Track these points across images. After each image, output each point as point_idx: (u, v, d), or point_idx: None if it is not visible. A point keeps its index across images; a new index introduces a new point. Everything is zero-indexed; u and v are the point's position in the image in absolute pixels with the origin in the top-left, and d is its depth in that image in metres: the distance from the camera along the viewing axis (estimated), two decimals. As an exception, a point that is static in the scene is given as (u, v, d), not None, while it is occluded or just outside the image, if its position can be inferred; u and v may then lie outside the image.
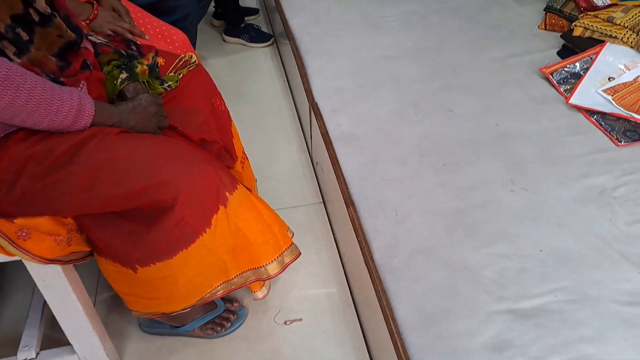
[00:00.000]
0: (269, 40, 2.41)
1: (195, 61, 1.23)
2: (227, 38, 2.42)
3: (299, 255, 1.15)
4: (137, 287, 1.06)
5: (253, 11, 2.63)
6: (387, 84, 1.70)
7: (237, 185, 1.04)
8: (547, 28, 1.96)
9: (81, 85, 0.96)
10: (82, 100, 0.89)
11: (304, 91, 1.72)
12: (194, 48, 1.83)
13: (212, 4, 2.37)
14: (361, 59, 1.83)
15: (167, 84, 1.15)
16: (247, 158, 1.41)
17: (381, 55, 1.85)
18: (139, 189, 0.91)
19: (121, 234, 0.99)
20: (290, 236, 1.25)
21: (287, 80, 2.17)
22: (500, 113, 1.55)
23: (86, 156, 0.89)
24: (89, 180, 0.90)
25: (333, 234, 1.51)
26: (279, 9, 2.22)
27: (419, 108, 1.59)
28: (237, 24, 2.39)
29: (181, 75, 1.19)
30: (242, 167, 1.35)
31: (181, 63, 1.20)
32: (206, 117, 1.19)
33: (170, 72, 1.18)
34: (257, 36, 2.38)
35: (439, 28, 1.99)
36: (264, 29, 2.56)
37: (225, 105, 1.29)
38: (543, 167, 1.35)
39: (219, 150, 1.21)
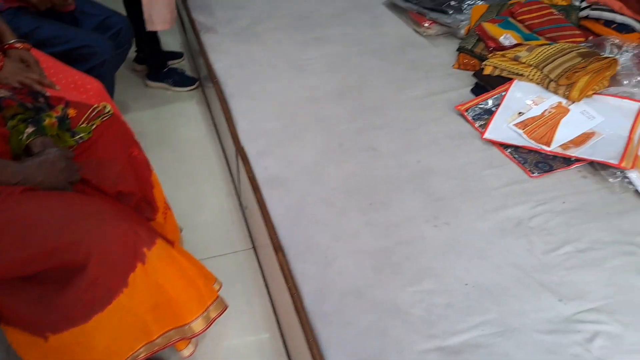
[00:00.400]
0: (194, 83, 2.39)
1: (110, 111, 1.19)
2: (150, 83, 2.38)
3: (225, 309, 1.11)
4: (51, 356, 0.98)
5: (177, 55, 2.61)
6: (313, 125, 1.72)
7: (156, 240, 1.00)
8: (461, 67, 2.07)
9: (-20, 143, 0.90)
10: (-20, 159, 0.83)
11: (230, 135, 1.71)
12: (112, 96, 1.78)
13: (134, 48, 2.32)
14: (286, 101, 1.85)
15: (78, 136, 1.10)
16: (169, 208, 1.36)
17: (306, 97, 1.88)
18: (46, 250, 0.85)
19: (30, 300, 0.92)
20: (218, 288, 1.22)
21: (214, 124, 2.15)
22: (421, 150, 1.60)
23: (-15, 220, 0.83)
24: None
25: (264, 281, 1.48)
26: (203, 52, 2.21)
27: (344, 148, 1.62)
28: (160, 68, 2.35)
29: (94, 126, 1.14)
30: (165, 218, 1.30)
31: (94, 113, 1.16)
32: (122, 168, 1.15)
33: (83, 123, 1.13)
34: (181, 80, 2.36)
35: (361, 69, 2.06)
36: (189, 72, 2.54)
37: (143, 154, 1.25)
38: (463, 201, 1.40)
39: (138, 202, 1.17)
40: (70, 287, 0.90)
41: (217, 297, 1.11)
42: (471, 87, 1.93)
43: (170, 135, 2.08)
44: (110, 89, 1.74)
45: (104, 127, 1.16)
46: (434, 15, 2.33)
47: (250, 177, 1.50)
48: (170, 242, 1.19)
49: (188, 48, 2.70)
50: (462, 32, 2.27)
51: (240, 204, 1.74)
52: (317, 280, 1.18)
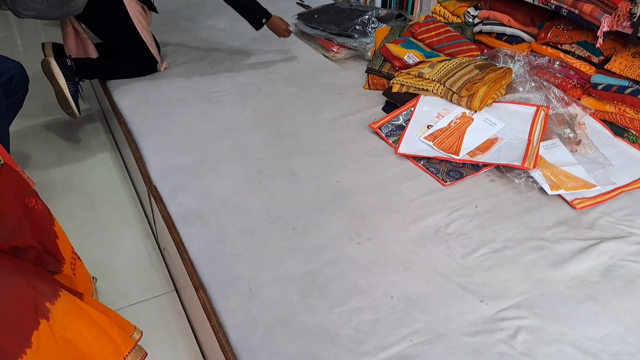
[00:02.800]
0: (74, 112, 2.11)
1: (0, 161, 1.10)
2: (53, 64, 2.06)
3: (145, 356, 1.04)
4: None
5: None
6: (229, 155, 1.69)
7: (60, 293, 0.92)
8: (371, 87, 2.13)
9: None
10: None
11: (141, 174, 1.64)
12: (7, 147, 1.66)
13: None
14: (199, 134, 1.81)
15: (-36, 191, 1.00)
16: (78, 258, 1.27)
17: (220, 128, 1.85)
18: None
19: None
20: (138, 336, 1.14)
21: (125, 166, 2.06)
22: (340, 170, 1.61)
23: None
24: None
25: (189, 322, 1.41)
26: (106, 91, 2.13)
27: (263, 175, 1.59)
28: (80, 75, 2.17)
29: (-17, 178, 1.05)
30: (74, 269, 1.21)
31: (-18, 164, 1.07)
32: (18, 222, 1.06)
33: (-31, 176, 1.04)
34: (75, 94, 2.10)
35: (275, 97, 2.06)
36: (97, 121, 2.44)
37: (42, 204, 1.16)
38: (383, 215, 1.41)
39: (39, 256, 1.07)
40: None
41: (135, 344, 1.03)
42: (382, 106, 1.99)
43: (78, 181, 1.96)
44: (3, 140, 1.62)
45: (-6, 177, 1.07)
46: (340, 40, 2.40)
47: (165, 216, 1.44)
48: (81, 294, 1.10)
49: (93, 90, 2.60)
50: (369, 54, 2.35)
51: (159, 246, 1.66)
52: (242, 313, 1.14)
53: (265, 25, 2.23)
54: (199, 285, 1.22)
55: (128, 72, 2.20)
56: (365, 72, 2.19)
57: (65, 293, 0.93)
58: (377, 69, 2.14)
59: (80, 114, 2.08)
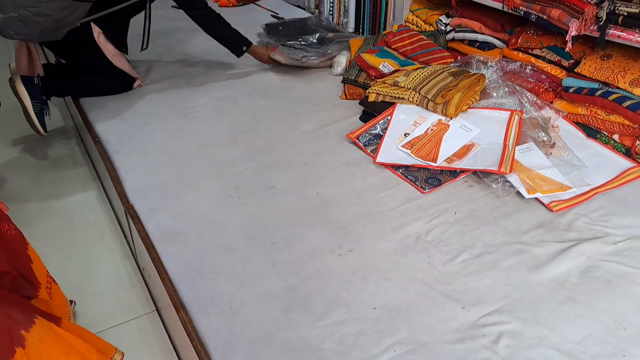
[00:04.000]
0: (40, 130, 2.07)
1: (-31, 186, 1.08)
2: (18, 83, 2.02)
3: (126, 379, 1.02)
4: None
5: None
6: (206, 171, 1.68)
7: (35, 320, 0.90)
8: (348, 97, 2.14)
9: None
10: None
11: (117, 194, 1.62)
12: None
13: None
14: (176, 151, 1.79)
15: None
16: (54, 281, 1.25)
17: (196, 144, 1.84)
18: None
19: None
20: (119, 358, 1.12)
21: (102, 184, 2.03)
22: (319, 181, 1.61)
23: None
24: None
25: (172, 342, 1.39)
26: (80, 110, 2.11)
27: (241, 190, 1.58)
28: (46, 90, 2.13)
29: (-48, 205, 1.02)
30: (50, 293, 1.19)
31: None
32: (-9, 247, 1.03)
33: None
34: (40, 112, 2.05)
35: (251, 110, 2.06)
36: (73, 141, 2.40)
37: (15, 228, 1.14)
38: (364, 225, 1.41)
39: (14, 281, 1.05)
40: None
41: (115, 370, 1.01)
42: (359, 115, 1.99)
43: (54, 203, 1.93)
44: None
45: (-37, 204, 1.05)
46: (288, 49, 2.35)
47: (143, 236, 1.42)
48: (58, 318, 1.08)
49: (67, 109, 2.56)
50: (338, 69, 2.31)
51: (138, 266, 1.63)
52: (224, 332, 1.12)
53: (246, 53, 2.26)
54: (179, 305, 1.20)
55: (101, 89, 2.18)
56: (342, 82, 2.20)
57: (40, 320, 0.91)
58: (353, 78, 2.15)
59: (46, 132, 2.05)
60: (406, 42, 2.19)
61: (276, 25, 2.60)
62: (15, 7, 1.72)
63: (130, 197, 1.57)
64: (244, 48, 2.23)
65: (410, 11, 2.40)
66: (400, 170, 1.64)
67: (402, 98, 1.86)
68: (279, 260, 1.31)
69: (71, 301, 1.44)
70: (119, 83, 2.19)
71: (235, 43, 2.23)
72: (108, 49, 2.09)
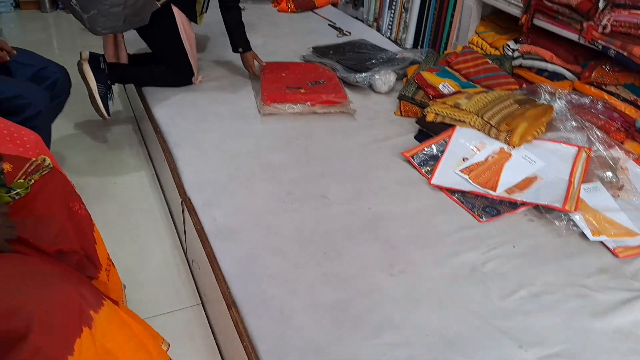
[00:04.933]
0: (103, 114, 2.13)
1: (49, 164, 1.11)
2: (85, 68, 2.10)
3: (175, 371, 1.03)
4: None
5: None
6: (260, 173, 1.69)
7: (104, 302, 0.92)
8: (403, 114, 2.13)
9: None
10: None
11: (175, 186, 1.64)
12: (49, 148, 1.67)
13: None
14: (232, 150, 1.81)
15: (14, 192, 1.01)
16: (113, 264, 1.27)
17: (251, 145, 1.85)
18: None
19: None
20: (166, 349, 1.13)
21: (156, 174, 2.07)
22: (372, 197, 1.60)
23: None
24: None
25: (215, 338, 1.40)
26: (143, 100, 2.15)
27: (294, 196, 1.59)
28: (112, 78, 2.19)
29: (32, 181, 1.05)
30: (108, 276, 1.21)
31: (32, 168, 1.07)
32: (63, 225, 1.06)
33: (20, 178, 1.04)
34: (105, 97, 2.12)
35: (305, 117, 2.06)
36: (130, 128, 2.46)
37: (85, 209, 1.17)
38: (417, 248, 1.40)
39: (80, 261, 1.07)
40: (9, 359, 0.80)
41: (169, 358, 1.02)
42: (415, 134, 1.98)
43: (110, 187, 1.97)
44: (46, 140, 1.64)
45: (42, 181, 1.08)
46: (344, 74, 2.35)
47: (199, 229, 1.43)
48: (116, 302, 1.10)
49: (128, 101, 2.62)
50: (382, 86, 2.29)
51: (186, 258, 1.65)
52: (274, 336, 1.12)
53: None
54: (231, 303, 1.21)
55: (164, 80, 2.23)
56: (398, 98, 2.19)
57: (108, 302, 0.93)
58: (410, 96, 2.14)
59: (109, 116, 2.11)
60: (470, 64, 2.17)
61: (325, 49, 2.62)
62: (93, 4, 1.79)
63: (187, 190, 1.59)
64: (240, 50, 2.27)
65: (476, 33, 2.38)
66: (457, 195, 1.61)
67: (463, 121, 1.84)
68: (330, 271, 1.30)
69: (123, 285, 1.46)
70: (182, 76, 2.23)
71: (235, 41, 2.26)
72: (184, 28, 2.14)
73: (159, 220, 1.81)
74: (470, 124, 1.82)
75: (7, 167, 1.04)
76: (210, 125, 1.96)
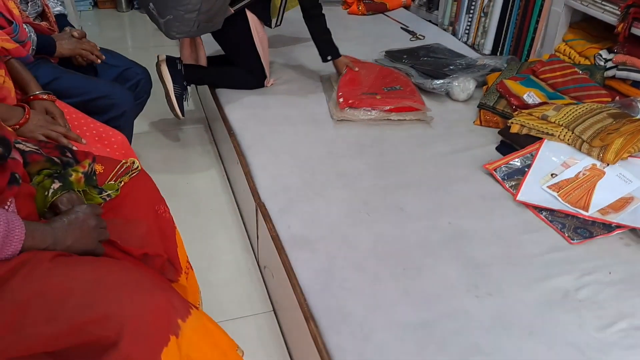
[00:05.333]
0: (178, 114, 2.14)
1: (138, 166, 1.11)
2: (163, 67, 2.12)
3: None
4: None
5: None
6: (335, 181, 1.65)
7: (191, 310, 0.90)
8: (483, 124, 2.03)
9: (8, 204, 0.82)
10: (10, 223, 0.75)
11: (249, 190, 1.63)
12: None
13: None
14: (304, 155, 1.78)
15: (106, 194, 1.02)
16: (191, 267, 1.26)
17: (325, 151, 1.82)
18: (76, 324, 0.76)
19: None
20: (241, 355, 1.11)
21: (227, 176, 2.07)
22: (452, 211, 1.53)
23: (13, 290, 0.75)
24: (16, 319, 0.74)
25: (287, 347, 1.37)
26: (217, 102, 2.17)
27: (370, 207, 1.54)
28: (189, 80, 2.22)
29: (122, 183, 1.06)
30: (187, 279, 1.20)
31: (122, 169, 1.08)
32: (149, 228, 1.06)
33: (111, 180, 1.05)
34: (180, 97, 2.14)
35: (379, 123, 2.01)
36: (202, 128, 2.49)
37: (169, 212, 1.17)
38: (503, 268, 1.31)
39: (163, 264, 1.07)
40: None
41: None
42: (496, 145, 1.88)
43: (183, 187, 1.99)
44: (129, 140, 1.67)
45: (131, 184, 1.08)
46: (420, 79, 2.26)
47: (274, 236, 1.41)
48: (195, 306, 1.09)
49: (200, 102, 2.66)
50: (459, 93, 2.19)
51: (258, 262, 1.64)
52: (354, 354, 1.08)
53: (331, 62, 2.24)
54: (309, 316, 1.17)
55: (236, 82, 2.23)
56: (477, 107, 2.09)
57: (194, 310, 0.91)
58: (491, 105, 2.04)
59: (184, 115, 2.13)
60: (557, 73, 2.05)
61: (399, 54, 2.54)
62: (168, 9, 1.83)
63: (262, 196, 1.57)
64: (329, 58, 2.20)
65: (564, 41, 2.25)
66: (544, 214, 1.51)
67: (552, 134, 1.73)
68: (411, 289, 1.25)
69: (197, 289, 1.47)
70: (254, 78, 2.23)
71: (322, 50, 2.19)
72: (257, 31, 2.14)
73: (230, 222, 1.81)
74: (559, 137, 1.71)
75: (99, 168, 1.05)
76: (282, 129, 1.94)
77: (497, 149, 1.87)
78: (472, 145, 1.89)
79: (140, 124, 2.37)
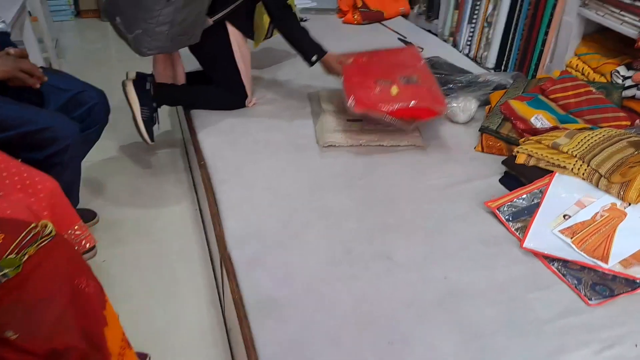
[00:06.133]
0: (146, 139, 1.93)
1: (51, 231, 0.90)
2: (129, 87, 1.92)
3: None
4: None
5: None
6: (315, 222, 1.44)
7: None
8: (485, 150, 1.81)
9: None
10: None
11: (215, 237, 1.42)
12: (77, 186, 1.50)
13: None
14: (285, 191, 1.57)
15: (1, 273, 0.80)
16: (129, 345, 1.05)
17: (307, 183, 1.61)
18: None
19: None
20: None
21: (200, 209, 1.86)
22: (448, 260, 1.32)
23: None
24: None
25: None
26: (190, 124, 1.96)
27: (353, 256, 1.32)
28: (158, 101, 2.01)
29: (27, 255, 0.85)
30: (121, 361, 0.99)
31: (29, 238, 0.87)
32: (62, 310, 0.85)
33: (11, 253, 0.84)
34: (148, 120, 1.93)
35: (370, 149, 1.79)
36: (178, 152, 2.28)
37: (95, 284, 0.95)
38: (508, 339, 1.10)
39: (82, 357, 0.86)
40: None
41: None
42: (500, 176, 1.66)
43: (149, 225, 1.78)
44: (75, 179, 1.46)
45: (41, 254, 0.88)
46: None
47: (236, 300, 1.19)
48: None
49: (177, 115, 2.45)
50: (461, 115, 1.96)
51: (225, 321, 1.42)
52: None
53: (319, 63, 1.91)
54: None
55: (214, 103, 2.02)
56: (479, 130, 1.87)
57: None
58: (494, 129, 1.82)
59: (153, 141, 1.92)
60: (569, 93, 1.82)
61: None
62: (137, 22, 1.63)
63: (228, 243, 1.36)
64: (313, 58, 1.87)
65: (576, 55, 2.02)
66: (556, 265, 1.29)
67: (564, 167, 1.51)
68: (396, 369, 1.03)
69: (145, 355, 1.25)
70: (235, 98, 2.02)
71: (306, 49, 1.88)
72: (239, 46, 1.93)
73: (198, 268, 1.60)
74: (573, 171, 1.49)
75: (-2, 237, 0.84)
76: (262, 158, 1.73)
77: (501, 181, 1.64)
78: (472, 176, 1.67)
79: (107, 148, 2.18)
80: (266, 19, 2.13)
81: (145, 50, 1.71)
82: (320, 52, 1.89)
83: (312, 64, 1.90)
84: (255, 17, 2.11)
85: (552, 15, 2.08)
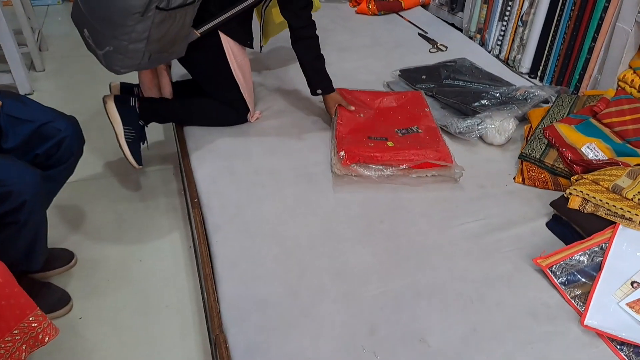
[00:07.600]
0: (134, 163, 1.69)
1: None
2: (109, 105, 1.67)
3: None
4: None
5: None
6: (331, 288, 1.19)
7: None
8: (526, 182, 1.55)
9: None
10: None
11: (208, 310, 1.17)
12: (42, 243, 1.25)
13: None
14: (292, 240, 1.32)
15: None
16: None
17: (319, 229, 1.36)
18: None
19: None
20: None
21: (194, 247, 1.62)
22: (493, 342, 1.08)
23: None
24: None
25: None
26: (183, 147, 1.69)
27: (377, 339, 1.08)
28: (145, 118, 1.75)
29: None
30: None
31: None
32: None
33: None
34: (135, 142, 1.69)
35: (391, 183, 1.52)
36: (171, 170, 2.02)
37: None
38: None
39: None
40: None
41: None
42: (547, 219, 1.40)
43: (133, 266, 1.54)
44: (34, 234, 1.21)
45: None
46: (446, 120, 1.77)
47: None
48: None
49: (172, 127, 2.17)
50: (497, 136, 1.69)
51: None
52: None
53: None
54: None
55: (212, 119, 1.76)
56: (519, 158, 1.60)
57: None
58: (537, 157, 1.56)
59: (141, 164, 1.66)
60: (627, 117, 1.56)
61: (417, 73, 2.04)
62: (106, 39, 1.36)
63: (224, 319, 1.11)
64: (319, 91, 1.76)
65: (631, 68, 1.74)
66: (625, 351, 1.05)
67: (629, 218, 1.25)
68: None
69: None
70: (235, 112, 1.75)
71: (314, 79, 1.75)
72: (234, 57, 1.67)
73: (189, 325, 1.37)
74: (639, 223, 1.23)
75: None
76: (265, 194, 1.47)
77: (549, 226, 1.39)
78: (513, 217, 1.42)
79: (92, 166, 1.92)
80: (276, 14, 1.85)
81: (118, 68, 1.44)
82: (328, 89, 1.77)
83: (314, 94, 1.78)
84: (264, 15, 1.85)
85: (601, 19, 1.78)
